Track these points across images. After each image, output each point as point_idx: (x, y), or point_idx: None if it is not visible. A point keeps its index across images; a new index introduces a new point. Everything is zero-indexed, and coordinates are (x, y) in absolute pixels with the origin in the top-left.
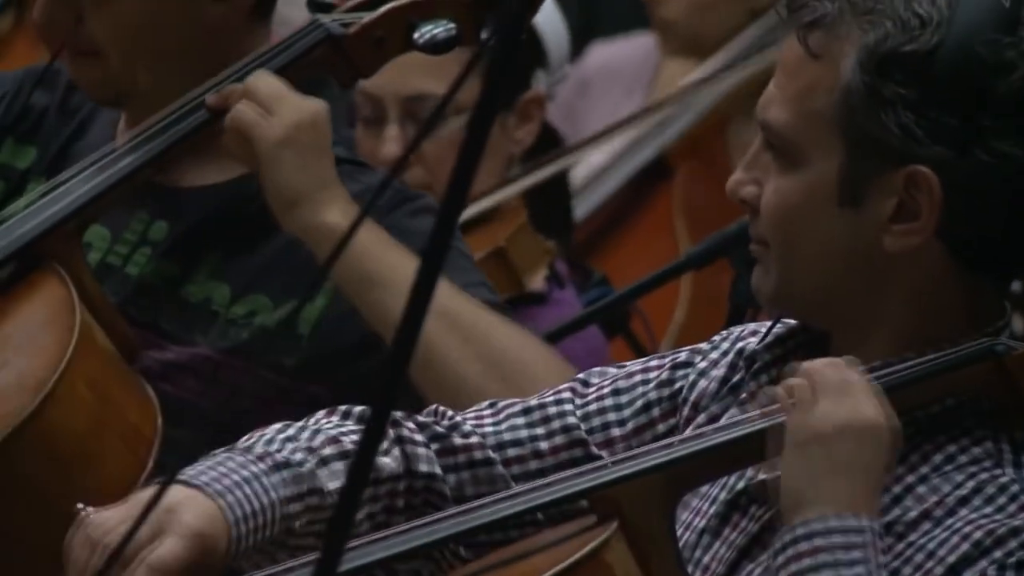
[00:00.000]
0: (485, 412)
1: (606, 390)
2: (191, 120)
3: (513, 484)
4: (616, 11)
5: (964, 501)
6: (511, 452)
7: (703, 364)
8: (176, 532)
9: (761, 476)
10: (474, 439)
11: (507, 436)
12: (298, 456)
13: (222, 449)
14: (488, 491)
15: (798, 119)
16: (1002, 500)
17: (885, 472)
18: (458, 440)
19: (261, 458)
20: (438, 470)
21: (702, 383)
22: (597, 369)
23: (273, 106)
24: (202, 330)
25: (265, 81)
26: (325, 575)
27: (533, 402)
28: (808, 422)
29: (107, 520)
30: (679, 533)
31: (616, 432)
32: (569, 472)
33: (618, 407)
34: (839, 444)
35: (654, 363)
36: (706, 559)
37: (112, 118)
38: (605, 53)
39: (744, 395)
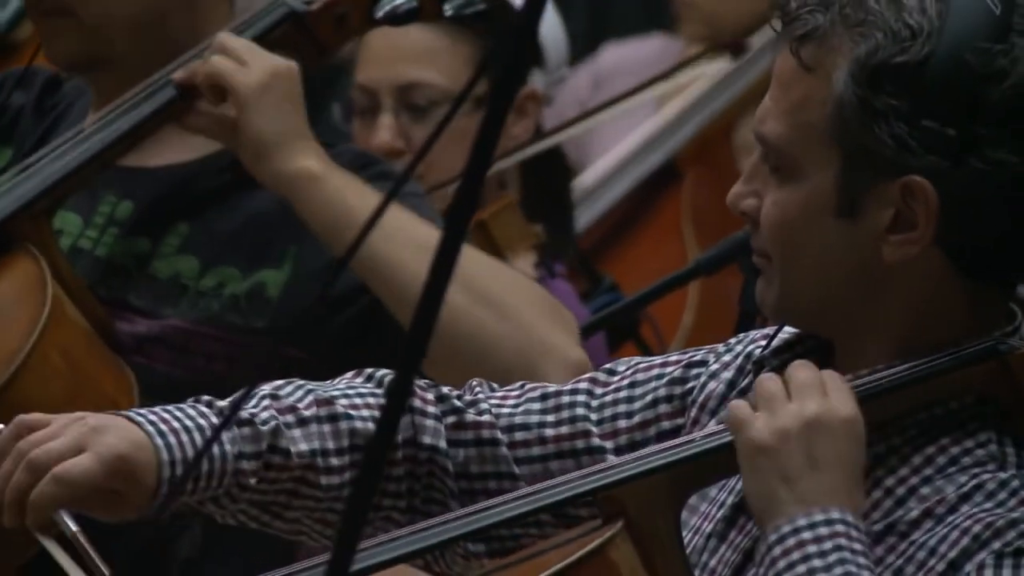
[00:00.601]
0: (512, 392)
1: (625, 382)
2: (159, 98)
3: (515, 467)
4: (625, 13)
5: (965, 498)
6: (518, 435)
7: (715, 366)
8: (95, 450)
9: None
10: (486, 417)
11: (519, 419)
12: (266, 415)
13: (190, 399)
14: (492, 471)
15: (793, 132)
16: (1002, 495)
17: (847, 461)
18: (470, 416)
19: (220, 413)
20: (442, 444)
21: (711, 385)
22: (626, 359)
23: (246, 58)
24: (172, 303)
25: (235, 38)
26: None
27: (552, 389)
28: (776, 423)
29: (41, 427)
30: (688, 538)
31: (622, 424)
32: (576, 473)
33: (630, 399)
34: (811, 439)
35: (673, 358)
36: (712, 563)
37: (84, 107)
38: (619, 52)
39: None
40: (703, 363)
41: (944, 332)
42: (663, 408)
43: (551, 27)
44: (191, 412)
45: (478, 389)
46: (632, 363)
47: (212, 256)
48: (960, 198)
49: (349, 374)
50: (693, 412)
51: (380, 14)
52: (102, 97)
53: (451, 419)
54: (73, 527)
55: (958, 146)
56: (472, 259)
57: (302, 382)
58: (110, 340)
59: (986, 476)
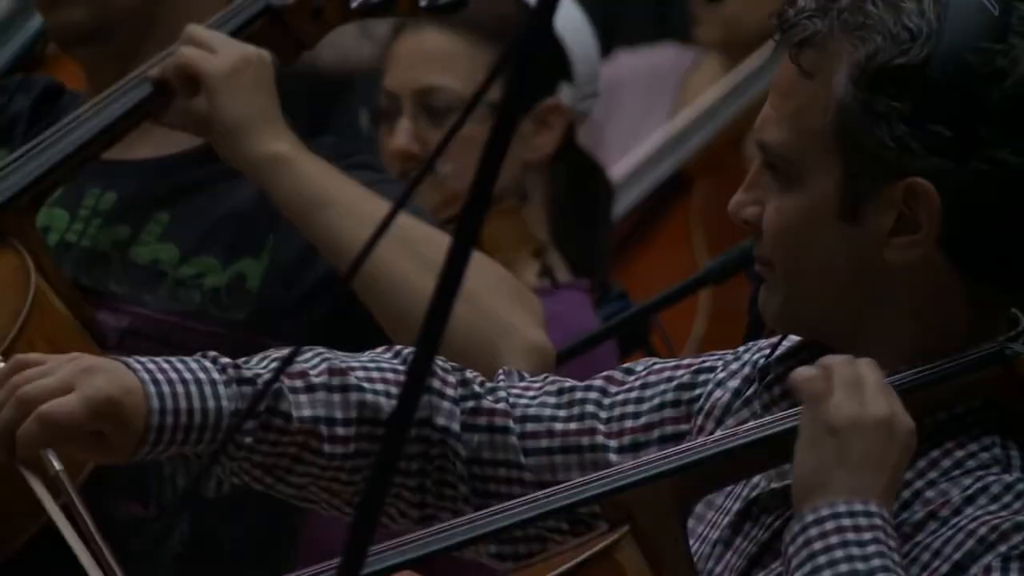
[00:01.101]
0: (535, 383)
1: (638, 382)
2: (137, 93)
3: (522, 457)
4: (636, 20)
5: (970, 500)
6: (530, 427)
7: (723, 374)
8: (82, 392)
9: (772, 485)
10: (501, 405)
11: (533, 411)
12: (269, 376)
13: (198, 353)
14: (502, 458)
15: (795, 138)
16: (1008, 498)
17: (898, 469)
18: (487, 403)
19: (223, 369)
20: (455, 427)
21: (717, 393)
22: (645, 359)
23: (215, 46)
24: (150, 290)
25: (203, 29)
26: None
27: (569, 383)
28: (821, 415)
29: (35, 367)
30: (695, 546)
31: (628, 424)
32: (582, 478)
33: (639, 400)
34: (850, 439)
35: (685, 362)
36: (718, 569)
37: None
38: (631, 61)
39: (759, 407)
40: (712, 369)
41: (948, 337)
42: (668, 412)
43: (581, 40)
44: (192, 365)
45: (502, 377)
46: (649, 364)
47: (192, 245)
48: (962, 199)
49: (379, 348)
50: (699, 420)
51: (355, 5)
52: (94, 83)
53: (469, 404)
54: (57, 466)
55: (959, 147)
56: (436, 242)
57: (322, 350)
58: (94, 335)
59: (991, 479)
